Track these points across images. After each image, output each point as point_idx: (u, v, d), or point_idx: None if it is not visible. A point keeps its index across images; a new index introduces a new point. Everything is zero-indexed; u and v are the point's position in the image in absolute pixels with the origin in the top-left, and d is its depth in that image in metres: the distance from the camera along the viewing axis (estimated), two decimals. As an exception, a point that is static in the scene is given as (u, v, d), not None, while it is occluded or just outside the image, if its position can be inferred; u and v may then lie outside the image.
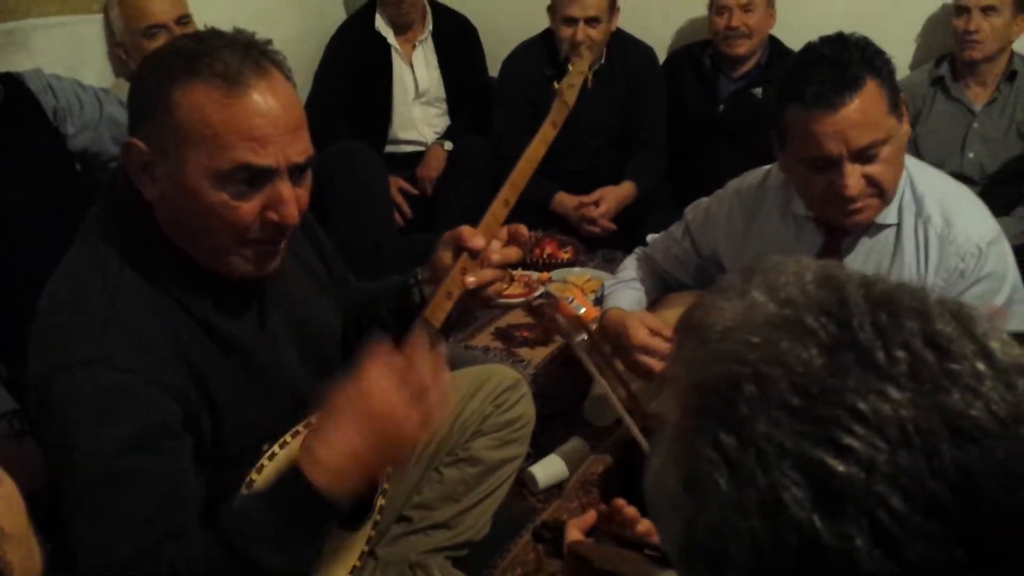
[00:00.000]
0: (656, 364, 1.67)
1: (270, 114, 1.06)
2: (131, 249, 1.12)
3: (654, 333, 1.68)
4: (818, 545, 0.48)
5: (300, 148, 1.10)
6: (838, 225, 1.54)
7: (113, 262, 1.11)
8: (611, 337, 1.77)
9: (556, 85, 1.37)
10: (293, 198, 1.09)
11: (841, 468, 0.48)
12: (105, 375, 1.05)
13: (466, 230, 1.25)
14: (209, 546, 1.03)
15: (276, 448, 1.17)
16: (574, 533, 1.13)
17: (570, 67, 1.40)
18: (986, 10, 2.63)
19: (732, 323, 0.54)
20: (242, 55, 1.06)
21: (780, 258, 0.58)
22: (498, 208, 1.27)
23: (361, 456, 1.03)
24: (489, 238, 1.26)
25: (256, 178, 1.07)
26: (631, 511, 1.14)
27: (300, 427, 1.20)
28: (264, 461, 1.15)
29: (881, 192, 1.46)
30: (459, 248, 1.25)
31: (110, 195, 1.17)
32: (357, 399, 1.03)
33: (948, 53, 2.82)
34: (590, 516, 1.16)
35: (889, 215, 1.53)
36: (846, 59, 1.41)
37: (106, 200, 1.17)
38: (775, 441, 0.49)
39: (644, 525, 1.13)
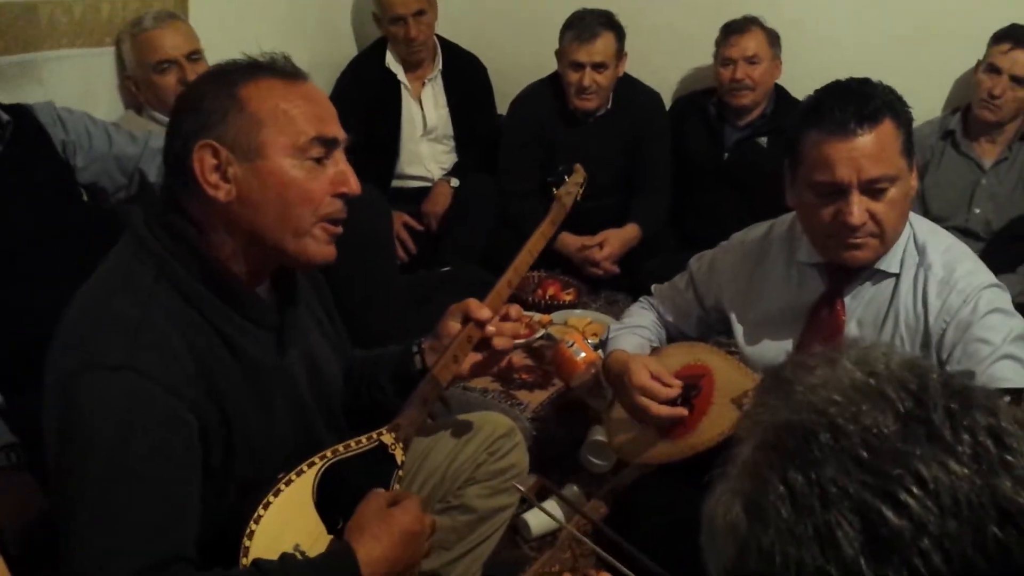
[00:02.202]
0: (653, 407, 1.67)
1: (322, 99, 1.24)
2: (166, 265, 1.17)
3: (655, 377, 1.69)
4: None
5: (341, 129, 1.25)
6: (838, 263, 1.55)
7: (147, 277, 1.17)
8: (613, 377, 1.78)
9: (555, 191, 1.65)
10: (352, 171, 1.23)
11: (895, 520, 0.53)
12: (133, 382, 1.09)
13: (473, 303, 1.43)
14: None
15: (293, 475, 1.22)
16: None
17: (567, 178, 1.67)
18: (1018, 80, 2.62)
19: (819, 381, 0.61)
20: (283, 62, 1.23)
21: (873, 341, 0.65)
22: (502, 288, 1.47)
23: (395, 565, 1.20)
24: (493, 313, 1.44)
25: (327, 150, 1.20)
26: None
27: (316, 458, 1.26)
28: (281, 486, 1.20)
29: (881, 233, 1.48)
30: (466, 318, 1.43)
31: (149, 214, 1.21)
32: (410, 519, 1.22)
33: (959, 107, 2.83)
34: None
35: (892, 264, 1.55)
36: (870, 93, 1.45)
37: (142, 219, 1.21)
38: (839, 485, 0.55)
39: None
